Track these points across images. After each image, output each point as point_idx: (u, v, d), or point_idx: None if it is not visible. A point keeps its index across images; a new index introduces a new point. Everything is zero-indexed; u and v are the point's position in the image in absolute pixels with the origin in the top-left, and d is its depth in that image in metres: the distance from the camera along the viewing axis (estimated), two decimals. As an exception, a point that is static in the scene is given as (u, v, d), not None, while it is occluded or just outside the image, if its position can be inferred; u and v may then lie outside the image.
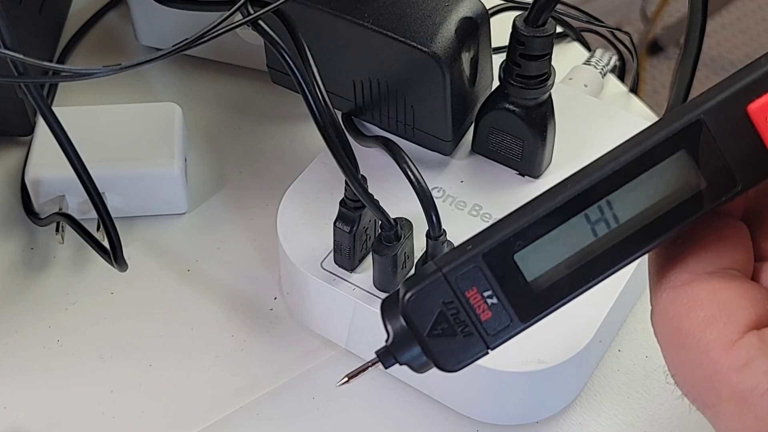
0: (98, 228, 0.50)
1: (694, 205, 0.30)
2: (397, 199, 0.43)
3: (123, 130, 0.52)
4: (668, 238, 0.31)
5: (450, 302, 0.31)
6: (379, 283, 0.44)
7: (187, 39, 0.35)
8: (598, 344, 0.45)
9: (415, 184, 0.40)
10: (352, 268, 0.45)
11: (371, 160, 0.47)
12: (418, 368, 0.33)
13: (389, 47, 0.45)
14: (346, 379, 0.35)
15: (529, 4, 0.43)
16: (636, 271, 0.45)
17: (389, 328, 0.33)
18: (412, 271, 0.43)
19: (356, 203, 0.42)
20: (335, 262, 0.45)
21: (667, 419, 0.45)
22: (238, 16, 0.39)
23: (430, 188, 0.41)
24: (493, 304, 0.31)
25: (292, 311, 0.49)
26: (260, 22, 0.38)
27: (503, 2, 0.62)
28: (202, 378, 0.47)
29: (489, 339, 0.32)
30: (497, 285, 0.31)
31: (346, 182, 0.41)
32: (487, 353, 0.32)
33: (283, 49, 0.38)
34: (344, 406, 0.46)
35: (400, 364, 0.33)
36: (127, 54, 0.62)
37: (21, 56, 0.34)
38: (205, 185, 0.55)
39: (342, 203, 0.43)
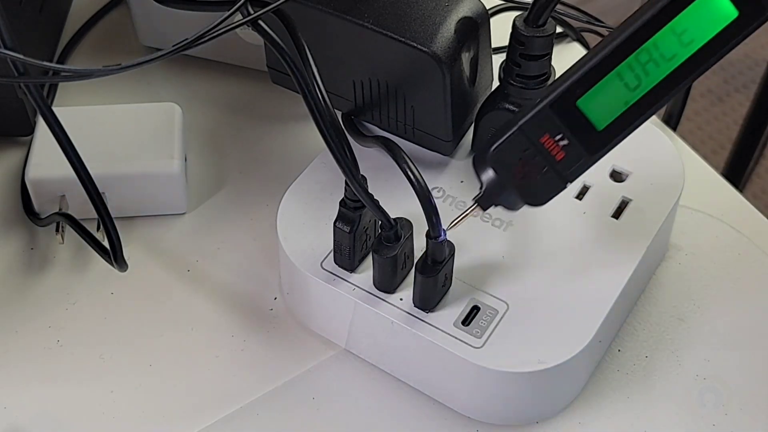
0: (98, 228, 0.50)
1: (729, 34, 0.35)
2: (397, 199, 0.44)
3: (123, 130, 0.52)
4: (708, 67, 0.36)
5: (527, 149, 0.38)
6: (379, 283, 0.44)
7: (187, 39, 0.35)
8: (598, 344, 0.45)
9: (415, 184, 0.40)
10: (352, 268, 0.45)
11: (371, 160, 0.47)
12: (511, 207, 0.40)
13: (389, 47, 0.45)
14: (453, 224, 0.42)
15: (529, 4, 0.43)
16: (635, 271, 0.45)
17: (481, 178, 0.40)
18: (412, 272, 0.43)
19: (356, 203, 0.42)
20: (335, 262, 0.45)
21: (667, 419, 0.45)
22: (238, 16, 0.39)
23: (430, 188, 0.41)
24: (564, 145, 0.38)
25: (292, 311, 0.49)
26: (260, 22, 0.38)
27: (503, 2, 0.62)
28: (202, 378, 0.47)
29: (565, 175, 0.39)
30: (566, 128, 0.37)
31: (346, 182, 0.41)
32: (566, 187, 0.39)
33: (283, 50, 0.38)
34: (344, 406, 0.46)
35: (495, 206, 0.40)
36: (128, 54, 0.62)
37: (21, 56, 0.34)
38: (205, 185, 0.55)
39: (342, 203, 0.43)
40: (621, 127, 0.38)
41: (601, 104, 0.37)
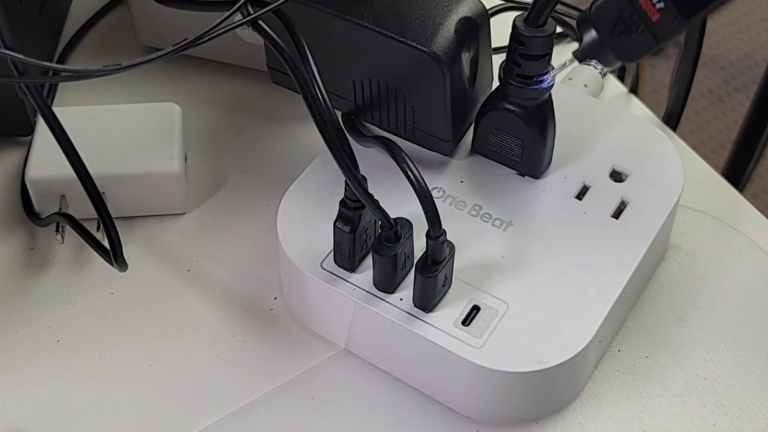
0: (98, 228, 0.50)
1: None
2: (397, 199, 0.43)
3: (123, 130, 0.52)
4: None
5: (625, 9, 0.42)
6: (379, 283, 0.44)
7: (187, 39, 0.35)
8: (598, 344, 0.45)
9: (415, 184, 0.40)
10: (352, 268, 0.45)
11: (371, 160, 0.47)
12: (605, 63, 0.44)
13: (389, 47, 0.45)
14: (553, 74, 0.46)
15: (529, 4, 0.43)
16: (635, 272, 0.45)
17: (583, 34, 0.43)
18: (412, 272, 0.43)
19: (356, 203, 0.42)
20: (335, 262, 0.45)
21: (667, 419, 0.45)
22: (238, 16, 0.39)
23: (430, 188, 0.41)
24: (660, 8, 0.41)
25: (292, 311, 0.49)
26: (260, 22, 0.38)
27: (503, 2, 0.62)
28: (202, 378, 0.47)
29: (659, 35, 0.42)
30: None
31: (346, 182, 0.41)
32: (658, 46, 0.42)
33: (283, 50, 0.38)
34: (344, 406, 0.46)
35: (591, 59, 0.44)
36: (127, 54, 0.62)
37: (21, 56, 0.34)
38: (205, 185, 0.55)
39: (342, 203, 0.43)
40: None
41: None
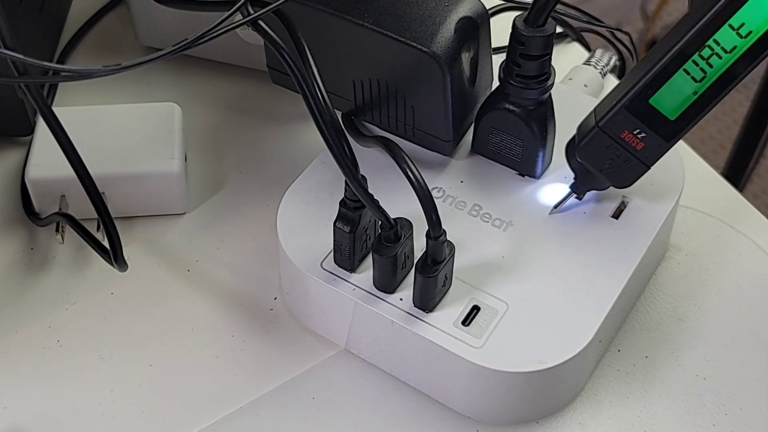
0: (98, 228, 0.50)
1: None
2: (397, 199, 0.43)
3: (123, 130, 0.52)
4: (765, 57, 0.40)
5: (609, 145, 0.44)
6: (379, 283, 0.44)
7: (187, 39, 0.35)
8: (598, 344, 0.45)
9: (415, 184, 0.40)
10: (352, 269, 0.45)
11: (371, 160, 0.47)
12: (600, 188, 0.47)
13: (389, 47, 0.45)
14: (555, 209, 0.47)
15: (529, 4, 0.43)
16: (635, 272, 0.45)
17: (574, 168, 0.46)
18: (412, 272, 0.43)
19: (356, 203, 0.42)
20: (335, 262, 0.45)
21: (667, 419, 0.45)
22: (238, 16, 0.39)
23: (429, 188, 0.41)
24: (642, 137, 0.43)
25: (292, 311, 0.49)
26: (260, 22, 0.38)
27: (503, 2, 0.62)
28: (202, 378, 0.47)
29: (647, 160, 0.44)
30: (642, 124, 0.43)
31: (346, 182, 0.41)
32: (649, 169, 0.45)
33: (283, 49, 0.38)
34: (344, 406, 0.46)
35: (589, 190, 0.47)
36: (127, 54, 0.62)
37: (21, 56, 0.34)
38: (204, 185, 0.55)
39: (342, 203, 0.43)
40: (693, 114, 0.43)
41: (671, 98, 0.42)
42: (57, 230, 0.50)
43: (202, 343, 0.48)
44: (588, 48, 0.63)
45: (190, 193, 0.54)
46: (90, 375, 0.47)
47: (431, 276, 0.42)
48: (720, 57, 0.41)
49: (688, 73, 0.41)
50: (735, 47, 0.40)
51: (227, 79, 0.60)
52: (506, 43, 0.45)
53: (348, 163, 0.40)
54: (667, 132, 0.43)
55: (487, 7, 0.47)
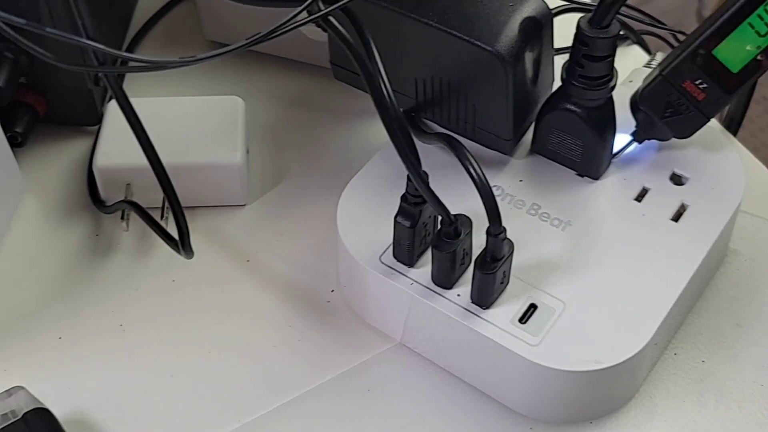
0: (161, 216, 0.51)
1: None
2: (454, 197, 0.44)
3: (187, 121, 0.53)
4: None
5: (671, 93, 0.45)
6: (437, 279, 0.44)
7: (260, 33, 0.36)
8: (654, 347, 0.45)
9: (477, 181, 0.41)
10: (410, 263, 0.45)
11: (430, 157, 0.48)
12: (662, 138, 0.48)
13: (453, 46, 0.45)
14: (615, 156, 0.48)
15: (591, 5, 0.44)
16: (694, 275, 0.45)
17: (636, 116, 0.48)
18: (470, 268, 0.44)
19: (417, 199, 0.43)
20: (394, 257, 0.45)
21: (723, 425, 0.45)
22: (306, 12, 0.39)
23: (491, 186, 0.41)
24: (704, 87, 0.45)
25: (349, 304, 0.49)
26: (331, 18, 0.38)
27: (565, 3, 0.62)
28: (260, 367, 0.47)
29: (707, 112, 0.46)
30: (704, 74, 0.44)
31: (408, 177, 0.42)
32: (708, 121, 0.46)
33: (351, 45, 0.39)
34: (399, 399, 0.46)
35: (649, 139, 0.48)
36: (191, 49, 0.63)
37: (102, 47, 0.35)
38: (265, 178, 0.55)
39: (403, 198, 0.43)
40: (754, 68, 0.44)
41: (735, 51, 0.44)
42: (122, 218, 0.51)
43: (261, 333, 0.49)
44: (648, 51, 0.63)
45: (250, 185, 0.55)
46: (151, 360, 0.48)
47: (490, 273, 0.42)
48: None
49: (753, 27, 0.43)
50: None
51: (289, 75, 0.61)
52: (567, 43, 0.45)
53: (412, 159, 0.40)
54: (728, 84, 0.44)
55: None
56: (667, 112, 0.46)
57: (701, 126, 0.47)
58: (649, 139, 0.48)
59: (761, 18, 0.42)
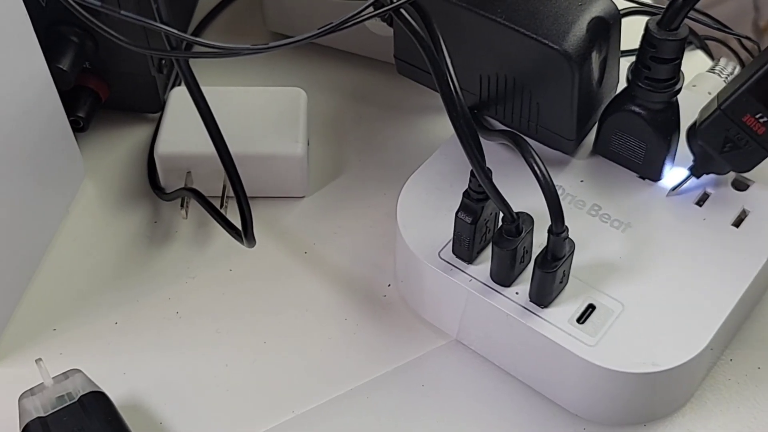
0: (221, 205, 0.51)
1: None
2: (514, 195, 0.44)
3: (250, 111, 0.53)
4: None
5: (730, 128, 0.44)
6: (497, 276, 0.44)
7: (331, 23, 0.36)
8: (710, 352, 0.45)
9: (541, 179, 0.41)
10: (470, 260, 0.45)
11: (491, 155, 0.47)
12: (720, 172, 0.47)
13: (520, 43, 0.45)
14: (673, 191, 0.48)
15: (658, 7, 0.43)
16: (753, 282, 0.45)
17: (694, 150, 0.47)
18: (529, 267, 0.44)
19: (480, 195, 0.43)
20: (453, 253, 0.45)
21: (778, 432, 0.45)
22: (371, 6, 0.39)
23: (554, 185, 0.41)
24: (765, 121, 0.43)
25: (406, 299, 0.50)
26: (402, 11, 0.38)
27: (633, 5, 0.62)
28: (315, 358, 0.48)
29: (767, 145, 0.44)
30: (765, 108, 0.43)
31: (471, 173, 0.42)
32: None
33: (422, 39, 0.39)
34: (453, 395, 0.46)
35: (707, 173, 0.47)
36: (254, 39, 0.63)
37: (176, 31, 0.35)
38: (325, 170, 0.56)
39: (465, 194, 0.43)
40: None
41: None
42: (182, 205, 0.52)
43: (316, 324, 0.49)
44: (711, 56, 0.62)
45: (310, 177, 0.55)
46: (206, 348, 0.48)
47: (550, 271, 0.42)
48: None
49: None
50: None
51: (351, 68, 0.61)
52: (633, 45, 0.45)
53: (477, 155, 0.40)
54: None
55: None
56: (726, 147, 0.45)
57: (762, 160, 0.45)
58: (707, 173, 0.47)
59: None
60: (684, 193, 0.47)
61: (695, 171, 0.47)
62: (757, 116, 0.43)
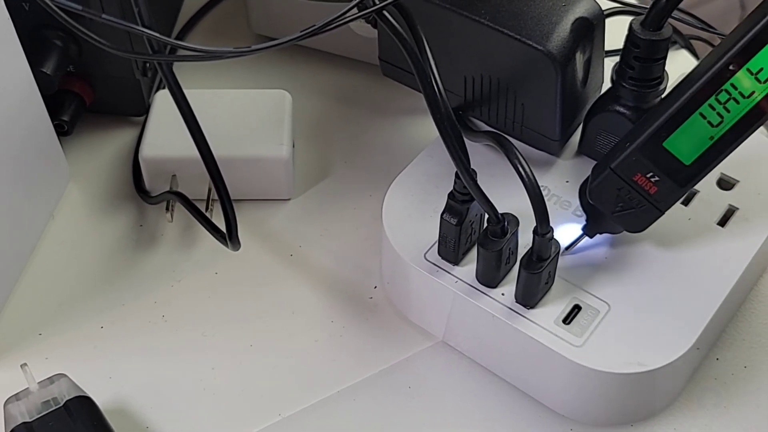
0: (206, 208, 0.51)
1: None
2: (499, 196, 0.44)
3: (234, 114, 0.53)
4: None
5: (622, 188, 0.43)
6: (482, 277, 0.44)
7: (314, 26, 0.36)
8: (697, 351, 0.45)
9: (526, 180, 0.41)
10: (455, 261, 0.45)
11: (475, 156, 0.48)
12: (614, 232, 0.45)
13: (504, 44, 0.45)
14: (567, 251, 0.46)
15: (642, 7, 0.43)
16: (739, 280, 0.45)
17: (586, 210, 0.45)
18: (515, 268, 0.44)
19: (465, 196, 0.43)
20: (439, 254, 0.45)
21: (764, 431, 0.45)
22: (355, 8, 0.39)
23: (539, 186, 0.41)
24: (656, 181, 0.42)
25: (392, 301, 0.49)
26: (385, 13, 0.38)
27: (616, 5, 0.62)
28: (301, 361, 0.48)
29: (660, 205, 0.43)
30: (655, 167, 0.41)
31: (456, 175, 0.42)
32: (662, 214, 0.43)
33: (405, 41, 0.39)
34: (439, 397, 0.46)
35: (600, 233, 0.45)
36: (239, 42, 0.63)
37: (158, 35, 0.35)
38: (310, 173, 0.55)
39: (450, 196, 0.43)
40: (709, 159, 0.41)
41: (687, 142, 0.41)
42: (167, 209, 0.51)
43: (302, 327, 0.49)
44: (696, 56, 0.63)
45: (295, 179, 0.55)
46: (192, 351, 0.48)
47: (536, 272, 0.42)
48: (738, 102, 0.39)
49: (705, 117, 0.40)
50: (753, 92, 0.39)
51: (336, 70, 0.61)
52: (617, 46, 0.45)
53: (461, 156, 0.40)
54: (681, 177, 0.42)
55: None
56: (617, 207, 0.43)
57: (655, 219, 0.44)
58: (600, 233, 0.45)
59: (713, 108, 0.40)
60: (578, 252, 0.46)
61: (588, 231, 0.45)
62: (648, 175, 0.42)
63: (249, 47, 0.35)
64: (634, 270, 0.45)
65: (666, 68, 0.45)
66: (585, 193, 0.45)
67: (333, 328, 0.49)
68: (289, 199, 0.54)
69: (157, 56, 0.37)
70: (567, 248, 0.46)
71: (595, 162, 0.49)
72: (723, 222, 0.47)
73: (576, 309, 0.44)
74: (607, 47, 0.49)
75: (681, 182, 0.42)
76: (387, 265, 0.49)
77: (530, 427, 0.45)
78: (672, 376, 0.44)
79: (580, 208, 0.47)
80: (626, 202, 0.43)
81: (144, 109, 0.56)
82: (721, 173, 0.48)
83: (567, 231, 0.46)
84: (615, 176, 0.43)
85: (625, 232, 0.45)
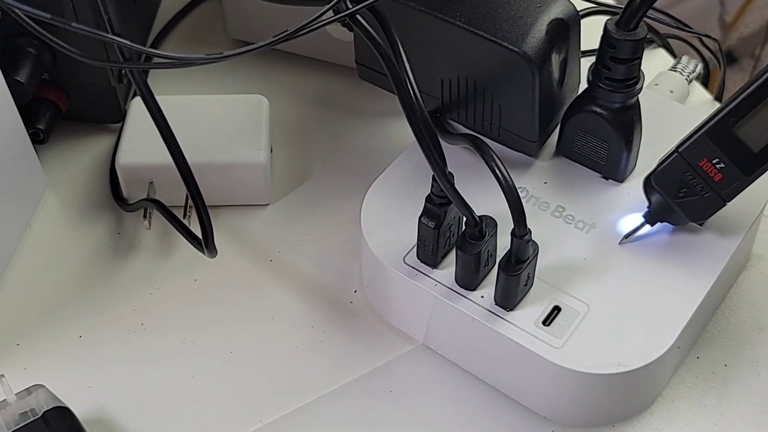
0: (184, 215, 0.51)
1: None
2: (478, 198, 0.44)
3: (211, 120, 0.53)
4: None
5: (687, 172, 0.43)
6: (461, 280, 0.44)
7: (287, 31, 0.36)
8: (677, 350, 0.45)
9: (503, 182, 0.41)
10: (434, 264, 0.45)
11: (453, 158, 0.48)
12: (676, 223, 0.45)
13: (480, 46, 0.45)
14: (625, 239, 0.46)
15: (617, 7, 0.43)
16: (717, 279, 0.45)
17: (649, 196, 0.45)
18: (494, 270, 0.44)
19: (442, 199, 0.43)
20: (418, 258, 0.45)
21: (745, 428, 0.45)
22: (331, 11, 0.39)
23: (516, 187, 0.41)
24: (721, 168, 0.42)
25: (372, 305, 0.49)
26: (358, 17, 0.38)
27: (592, 5, 0.62)
28: (282, 367, 0.47)
29: (724, 194, 0.43)
30: (722, 153, 0.41)
31: (433, 178, 0.42)
32: (725, 205, 0.43)
33: (379, 44, 0.39)
34: (421, 400, 0.46)
35: (661, 222, 0.45)
36: (215, 47, 0.63)
37: (128, 42, 0.35)
38: (288, 177, 0.55)
39: (428, 199, 0.43)
40: None
41: (757, 129, 0.41)
42: (144, 216, 0.51)
43: (283, 333, 0.49)
44: (673, 54, 0.63)
45: (274, 184, 0.54)
46: (172, 359, 0.48)
47: (514, 274, 0.42)
48: None
49: None
50: None
51: (313, 74, 0.61)
52: (593, 46, 0.45)
53: (438, 160, 0.40)
54: (747, 165, 0.42)
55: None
56: (680, 193, 0.44)
57: (717, 210, 0.44)
58: (661, 222, 0.46)
59: None
60: (638, 240, 0.46)
61: (649, 218, 0.46)
62: (714, 161, 0.42)
63: (221, 54, 0.35)
64: (613, 271, 0.45)
65: (642, 68, 0.45)
66: (649, 179, 0.45)
67: (313, 333, 0.49)
68: (267, 204, 0.54)
69: (129, 64, 0.37)
70: (626, 236, 0.46)
71: (573, 162, 0.49)
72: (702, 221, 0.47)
73: (555, 310, 0.44)
74: (584, 47, 0.49)
75: (747, 170, 0.42)
76: (366, 269, 0.49)
77: (512, 429, 0.45)
78: (652, 376, 0.44)
79: (558, 209, 0.47)
80: (690, 188, 0.43)
81: (120, 116, 0.56)
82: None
83: (628, 219, 0.47)
84: (681, 160, 0.43)
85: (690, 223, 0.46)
